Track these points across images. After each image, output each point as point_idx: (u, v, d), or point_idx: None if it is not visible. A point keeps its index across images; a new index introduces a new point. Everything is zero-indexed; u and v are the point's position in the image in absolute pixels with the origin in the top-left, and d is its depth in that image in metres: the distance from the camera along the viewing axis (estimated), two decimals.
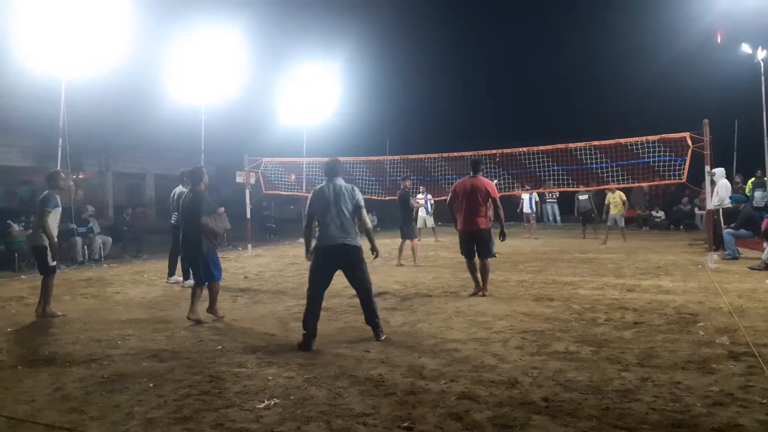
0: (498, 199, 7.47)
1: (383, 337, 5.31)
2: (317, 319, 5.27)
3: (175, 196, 8.87)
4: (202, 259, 6.29)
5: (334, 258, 5.29)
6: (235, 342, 5.39)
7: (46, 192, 6.82)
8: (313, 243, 5.43)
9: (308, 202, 5.52)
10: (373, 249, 5.55)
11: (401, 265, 10.85)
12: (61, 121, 11.41)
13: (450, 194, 7.76)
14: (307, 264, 5.52)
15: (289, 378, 4.26)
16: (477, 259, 7.56)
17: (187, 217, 6.36)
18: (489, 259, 7.51)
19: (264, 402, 3.76)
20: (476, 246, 7.48)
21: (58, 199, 6.86)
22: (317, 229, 5.45)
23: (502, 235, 7.58)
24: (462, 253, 7.70)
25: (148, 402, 3.82)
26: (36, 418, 3.60)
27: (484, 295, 7.36)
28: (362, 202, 5.42)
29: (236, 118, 20.54)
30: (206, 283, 6.37)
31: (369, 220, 5.50)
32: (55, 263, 6.89)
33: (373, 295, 5.40)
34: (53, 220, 6.78)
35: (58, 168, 11.11)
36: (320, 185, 5.50)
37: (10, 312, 7.13)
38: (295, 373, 4.37)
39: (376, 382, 4.12)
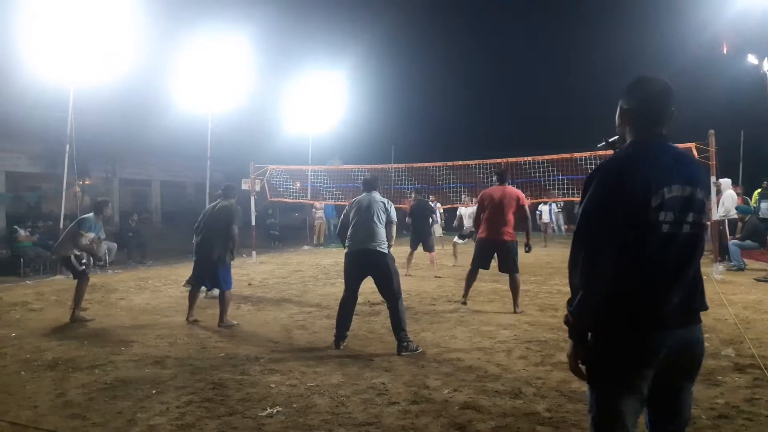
0: (527, 209, 7.20)
1: (405, 353, 5.08)
2: (347, 320, 5.46)
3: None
4: (214, 266, 6.51)
5: (359, 261, 5.48)
6: (238, 349, 5.39)
7: (88, 215, 7.19)
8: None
9: (345, 210, 5.86)
10: None
11: (409, 275, 10.77)
12: (68, 128, 11.52)
13: (477, 206, 7.44)
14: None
15: (292, 386, 4.26)
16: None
17: (211, 223, 6.66)
18: (517, 274, 7.13)
19: (267, 410, 3.76)
20: (499, 259, 7.17)
21: (93, 225, 7.11)
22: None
23: (527, 247, 7.24)
24: (473, 262, 7.30)
25: (150, 408, 3.82)
26: (39, 424, 3.61)
27: (515, 312, 7.00)
28: (395, 218, 5.66)
29: (242, 126, 20.69)
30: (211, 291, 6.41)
31: (395, 236, 5.71)
32: (82, 268, 7.11)
33: (400, 306, 5.31)
34: (85, 239, 7.02)
35: (65, 174, 11.24)
36: (359, 196, 5.83)
37: (15, 317, 7.15)
38: (298, 381, 4.36)
39: (379, 391, 4.11)
